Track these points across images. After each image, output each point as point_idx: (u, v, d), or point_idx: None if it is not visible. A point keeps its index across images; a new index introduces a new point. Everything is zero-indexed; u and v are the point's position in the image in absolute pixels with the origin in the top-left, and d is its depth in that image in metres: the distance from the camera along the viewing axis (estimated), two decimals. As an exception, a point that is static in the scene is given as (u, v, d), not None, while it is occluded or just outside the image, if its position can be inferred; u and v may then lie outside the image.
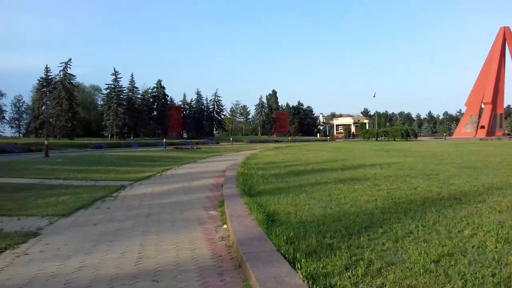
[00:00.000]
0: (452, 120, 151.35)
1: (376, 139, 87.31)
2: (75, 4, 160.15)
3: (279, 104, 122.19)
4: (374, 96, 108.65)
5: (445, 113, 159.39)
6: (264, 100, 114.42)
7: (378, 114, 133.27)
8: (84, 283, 4.43)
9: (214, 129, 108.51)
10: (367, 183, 11.02)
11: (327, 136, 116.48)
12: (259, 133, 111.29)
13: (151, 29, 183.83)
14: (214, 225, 7.14)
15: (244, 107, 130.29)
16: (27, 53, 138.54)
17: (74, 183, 14.09)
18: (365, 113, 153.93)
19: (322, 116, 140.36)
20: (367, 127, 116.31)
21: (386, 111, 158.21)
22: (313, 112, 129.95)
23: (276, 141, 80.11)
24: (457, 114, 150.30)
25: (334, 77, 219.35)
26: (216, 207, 8.87)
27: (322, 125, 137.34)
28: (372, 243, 5.20)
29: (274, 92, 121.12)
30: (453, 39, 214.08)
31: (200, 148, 49.26)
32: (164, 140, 55.51)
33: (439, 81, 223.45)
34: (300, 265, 4.28)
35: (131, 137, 78.98)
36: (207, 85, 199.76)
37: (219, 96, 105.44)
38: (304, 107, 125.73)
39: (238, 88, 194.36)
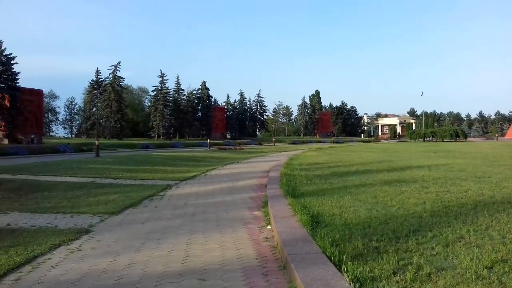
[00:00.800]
0: (504, 120, 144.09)
1: (424, 140, 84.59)
2: (123, 10, 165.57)
3: (322, 104, 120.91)
4: (421, 95, 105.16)
5: (497, 113, 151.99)
6: (307, 100, 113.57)
7: (425, 114, 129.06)
8: (134, 280, 4.58)
9: (257, 129, 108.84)
10: (415, 185, 10.70)
11: (371, 136, 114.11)
12: (301, 134, 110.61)
13: (195, 31, 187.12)
14: (258, 226, 7.18)
15: (287, 108, 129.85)
16: (80, 57, 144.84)
17: (123, 182, 14.57)
18: (412, 113, 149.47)
19: (367, 116, 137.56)
20: (413, 128, 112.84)
21: (434, 111, 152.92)
22: (357, 112, 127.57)
23: (319, 142, 79.33)
24: (510, 114, 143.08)
25: (379, 76, 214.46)
26: (260, 208, 8.91)
27: (366, 126, 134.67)
28: (421, 247, 5.05)
29: (317, 92, 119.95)
30: (507, 34, 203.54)
31: (243, 148, 49.61)
32: (208, 140, 56.33)
33: (490, 79, 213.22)
34: (347, 268, 4.23)
35: (177, 138, 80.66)
36: (250, 86, 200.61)
37: (262, 97, 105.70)
38: (348, 107, 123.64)
39: (281, 89, 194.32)
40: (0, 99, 47.10)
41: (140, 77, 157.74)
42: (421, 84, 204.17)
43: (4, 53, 47.97)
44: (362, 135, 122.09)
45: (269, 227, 6.97)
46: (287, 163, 20.30)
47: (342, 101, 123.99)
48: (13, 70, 48.40)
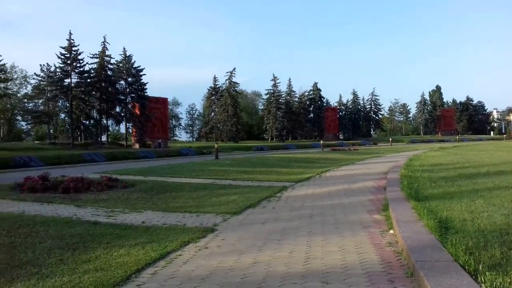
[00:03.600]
0: None
1: None
2: (237, 18, 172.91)
3: (444, 100, 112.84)
4: None
5: None
6: (427, 96, 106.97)
7: None
8: (258, 279, 4.70)
9: (371, 129, 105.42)
10: (562, 188, 9.38)
11: (503, 134, 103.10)
12: (421, 133, 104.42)
13: (306, 33, 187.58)
14: (379, 230, 6.91)
15: (404, 105, 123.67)
16: (199, 66, 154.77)
17: (241, 183, 15.15)
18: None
19: (497, 112, 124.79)
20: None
21: None
22: (485, 107, 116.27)
23: (441, 141, 74.07)
24: None
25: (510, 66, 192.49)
26: (380, 211, 8.57)
27: (496, 122, 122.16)
28: None
29: (438, 88, 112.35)
30: None
31: (357, 149, 48.39)
32: (321, 141, 56.04)
33: None
34: (484, 279, 3.85)
35: (289, 139, 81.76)
36: (363, 84, 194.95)
37: (376, 95, 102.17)
38: (474, 102, 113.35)
39: (397, 86, 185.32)
40: (132, 107, 52.28)
41: (253, 81, 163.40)
42: None
43: (134, 66, 53.15)
44: (492, 132, 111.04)
45: (391, 231, 6.67)
46: (406, 164, 19.27)
47: (467, 96, 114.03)
48: (141, 81, 53.45)
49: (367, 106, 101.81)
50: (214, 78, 79.79)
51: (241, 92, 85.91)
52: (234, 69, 77.70)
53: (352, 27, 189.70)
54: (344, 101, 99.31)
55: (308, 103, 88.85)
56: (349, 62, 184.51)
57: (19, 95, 61.42)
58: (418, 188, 10.47)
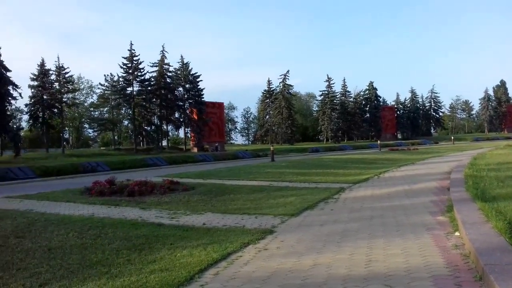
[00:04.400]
0: None
1: None
2: (289, 21, 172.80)
3: (510, 95, 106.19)
4: None
5: None
6: (490, 92, 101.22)
7: None
8: (319, 281, 4.70)
9: (432, 128, 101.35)
10: None
11: None
12: (485, 130, 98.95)
13: (360, 32, 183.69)
14: (444, 232, 6.65)
15: (466, 102, 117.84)
16: (253, 70, 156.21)
17: (298, 185, 15.14)
18: None
19: None
20: None
21: None
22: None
23: (508, 138, 69.70)
24: None
25: None
26: (444, 212, 8.24)
27: None
28: None
29: (503, 83, 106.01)
30: None
31: (417, 149, 46.71)
32: (378, 142, 54.69)
33: None
34: (562, 285, 3.61)
35: (345, 140, 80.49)
36: (422, 82, 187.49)
37: (436, 93, 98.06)
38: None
39: (458, 82, 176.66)
40: (190, 113, 53.77)
41: (307, 83, 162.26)
42: None
43: (191, 73, 54.66)
44: None
45: (457, 233, 6.40)
46: (471, 163, 18.36)
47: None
48: (198, 87, 54.83)
49: (427, 104, 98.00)
50: (268, 81, 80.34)
51: (295, 94, 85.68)
52: (288, 71, 77.77)
53: (407, 21, 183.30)
54: (402, 99, 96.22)
55: (363, 102, 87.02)
56: (405, 59, 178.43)
57: (86, 104, 65.16)
58: (484, 188, 9.95)
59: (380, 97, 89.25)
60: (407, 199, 10.66)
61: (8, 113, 38.20)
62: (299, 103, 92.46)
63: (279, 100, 75.88)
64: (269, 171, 20.68)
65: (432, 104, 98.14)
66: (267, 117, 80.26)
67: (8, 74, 35.22)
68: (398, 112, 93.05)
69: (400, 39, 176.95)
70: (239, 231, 7.67)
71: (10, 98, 36.42)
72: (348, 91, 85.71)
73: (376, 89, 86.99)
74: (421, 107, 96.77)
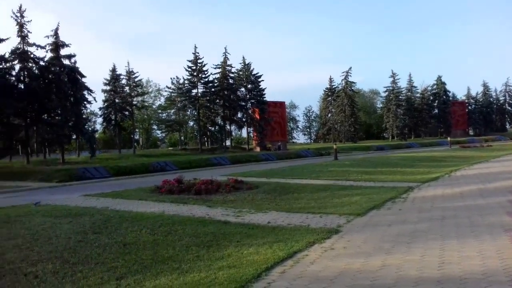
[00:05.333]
0: None
1: None
2: (350, 17, 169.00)
3: None
4: None
5: None
6: None
7: None
8: (389, 282, 4.58)
9: (507, 123, 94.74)
10: None
11: None
12: None
13: (425, 25, 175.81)
14: (525, 234, 6.23)
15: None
16: (314, 68, 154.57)
17: (363, 184, 14.82)
18: None
19: None
20: None
21: None
22: None
23: None
24: None
25: None
26: (525, 213, 7.72)
27: None
28: None
29: None
30: None
31: (490, 145, 43.97)
32: (448, 138, 52.15)
33: None
34: None
35: (412, 138, 77.44)
36: (495, 75, 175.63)
37: (510, 86, 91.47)
38: None
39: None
40: (252, 113, 54.37)
41: (371, 80, 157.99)
42: None
43: (253, 73, 55.26)
44: None
45: (540, 236, 5.97)
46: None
47: None
48: (260, 87, 55.29)
49: (501, 98, 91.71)
50: (330, 79, 79.12)
51: (358, 91, 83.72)
52: (350, 68, 76.12)
53: (475, 11, 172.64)
54: (473, 93, 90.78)
55: (431, 98, 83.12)
56: (476, 51, 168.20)
57: (154, 106, 67.88)
58: None
59: (449, 92, 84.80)
60: (482, 199, 10.10)
61: (84, 116, 40.75)
62: (362, 100, 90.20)
63: (342, 98, 74.55)
64: (332, 169, 20.42)
65: (507, 97, 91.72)
66: (329, 115, 79.10)
67: (83, 80, 37.53)
68: (469, 107, 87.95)
69: (470, 30, 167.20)
70: (304, 230, 7.66)
71: (85, 102, 38.72)
72: (415, 87, 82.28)
73: (444, 83, 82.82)
74: (494, 102, 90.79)
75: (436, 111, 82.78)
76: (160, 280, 5.19)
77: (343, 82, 76.27)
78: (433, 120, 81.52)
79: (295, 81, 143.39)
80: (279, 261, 5.72)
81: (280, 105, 60.32)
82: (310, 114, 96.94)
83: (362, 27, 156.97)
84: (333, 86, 78.76)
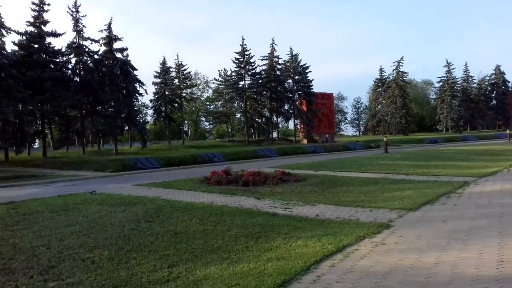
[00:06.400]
0: None
1: None
2: (401, 7, 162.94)
3: None
4: None
5: None
6: None
7: None
8: (444, 280, 4.41)
9: None
10: None
11: None
12: None
13: (483, 12, 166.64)
14: None
15: None
16: (363, 58, 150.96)
17: (415, 178, 14.36)
18: None
19: None
20: None
21: None
22: None
23: None
24: None
25: None
26: None
27: None
28: None
29: None
30: None
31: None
32: (508, 131, 49.40)
33: None
34: None
35: (468, 130, 74.16)
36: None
37: None
38: None
39: None
40: (299, 104, 54.03)
41: (423, 70, 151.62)
42: None
43: (300, 64, 54.82)
44: None
45: None
46: None
47: None
48: (308, 78, 54.77)
49: None
50: (380, 69, 77.11)
51: (409, 82, 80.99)
52: (402, 58, 73.65)
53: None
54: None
55: (489, 88, 79.04)
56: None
57: (202, 98, 69.06)
58: None
59: (509, 82, 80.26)
60: (546, 196, 9.52)
61: (135, 108, 42.18)
62: (414, 91, 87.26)
63: (393, 89, 72.44)
64: (382, 163, 19.93)
65: None
66: (379, 106, 77.20)
67: (135, 72, 38.79)
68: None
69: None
70: (354, 224, 7.53)
71: (137, 95, 40.09)
72: (471, 77, 78.58)
73: (504, 73, 78.45)
74: None
75: (494, 102, 78.73)
76: (210, 269, 5.27)
77: (394, 72, 74.07)
78: (491, 111, 77.56)
79: (343, 72, 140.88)
80: (328, 254, 5.66)
81: (328, 96, 59.51)
82: (359, 105, 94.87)
83: (415, 14, 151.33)
84: (384, 77, 76.80)
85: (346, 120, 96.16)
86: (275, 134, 58.52)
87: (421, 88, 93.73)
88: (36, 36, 32.55)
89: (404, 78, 74.75)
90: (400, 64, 73.45)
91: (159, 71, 48.93)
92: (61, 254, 6.09)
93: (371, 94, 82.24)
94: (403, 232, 6.81)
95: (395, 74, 73.91)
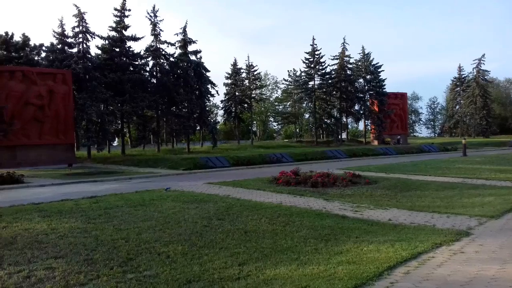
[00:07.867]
0: None
1: None
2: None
3: None
4: None
5: None
6: None
7: None
8: (532, 295, 4.10)
9: None
10: None
11: None
12: None
13: None
14: None
15: None
16: (440, 57, 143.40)
17: (497, 183, 13.44)
18: None
19: None
20: None
21: None
22: None
23: None
24: None
25: None
26: None
27: None
28: None
29: None
30: None
31: None
32: None
33: None
34: None
35: (559, 133, 68.06)
36: None
37: None
38: None
39: None
40: (370, 105, 52.60)
41: (507, 67, 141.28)
42: None
43: (372, 64, 53.34)
44: None
45: None
46: None
47: None
48: (380, 78, 53.13)
49: None
50: (459, 67, 72.83)
51: (491, 81, 75.82)
52: (483, 55, 69.01)
53: None
54: None
55: None
56: None
57: (271, 99, 69.57)
58: None
59: None
60: None
61: (207, 109, 43.41)
62: (497, 91, 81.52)
63: (472, 88, 68.16)
64: (460, 166, 18.85)
65: None
66: (457, 107, 72.98)
67: (208, 74, 39.93)
68: None
69: None
70: (429, 230, 7.20)
71: (209, 96, 41.26)
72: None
73: None
74: None
75: None
76: (279, 269, 5.29)
77: (475, 70, 69.64)
78: None
79: (418, 70, 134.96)
80: (402, 261, 5.47)
81: (401, 96, 57.27)
82: (435, 106, 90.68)
83: (496, 7, 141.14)
84: (463, 75, 72.52)
85: (421, 121, 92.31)
86: (344, 135, 57.47)
87: (504, 87, 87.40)
88: (118, 40, 34.60)
89: (485, 77, 70.12)
90: (481, 62, 68.95)
91: (230, 72, 49.96)
92: (139, 247, 6.42)
93: (448, 94, 78.08)
94: (484, 240, 6.40)
95: (475, 73, 69.53)
